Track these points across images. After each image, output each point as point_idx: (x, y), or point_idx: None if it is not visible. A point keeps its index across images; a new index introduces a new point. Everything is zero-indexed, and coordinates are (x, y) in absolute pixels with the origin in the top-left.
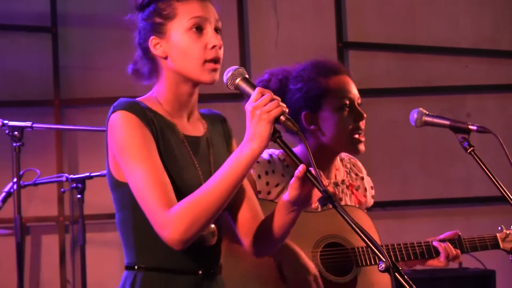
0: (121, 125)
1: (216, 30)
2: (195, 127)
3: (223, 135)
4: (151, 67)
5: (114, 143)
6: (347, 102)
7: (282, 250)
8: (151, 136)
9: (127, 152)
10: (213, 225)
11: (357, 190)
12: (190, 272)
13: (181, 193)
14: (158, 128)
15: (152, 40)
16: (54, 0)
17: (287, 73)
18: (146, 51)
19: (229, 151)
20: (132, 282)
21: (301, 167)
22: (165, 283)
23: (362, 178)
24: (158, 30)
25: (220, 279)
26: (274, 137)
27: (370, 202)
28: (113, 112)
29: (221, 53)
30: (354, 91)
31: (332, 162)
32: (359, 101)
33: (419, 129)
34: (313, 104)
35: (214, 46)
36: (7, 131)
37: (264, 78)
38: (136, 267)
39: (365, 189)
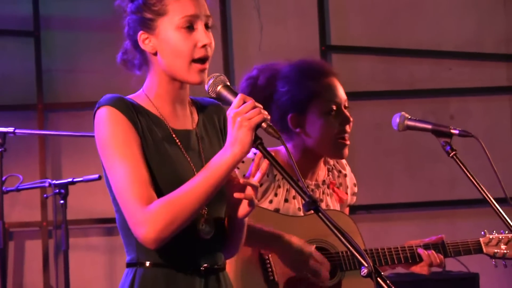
0: (104, 121)
1: (207, 26)
2: (185, 121)
3: (217, 124)
4: (142, 59)
5: (97, 139)
6: (334, 106)
7: (273, 244)
8: (135, 132)
9: (108, 149)
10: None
11: (338, 187)
12: (191, 268)
13: (175, 187)
14: (145, 124)
15: (141, 35)
16: (36, 3)
17: (275, 72)
18: (135, 44)
19: (224, 140)
20: (132, 278)
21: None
22: (165, 279)
23: (345, 175)
24: (147, 25)
25: (224, 275)
26: (256, 144)
27: (352, 199)
28: (98, 108)
29: (210, 51)
30: (341, 94)
31: (317, 164)
32: (346, 103)
33: (402, 132)
34: (300, 107)
35: (204, 45)
36: None
37: (253, 75)
38: (137, 264)
39: (347, 187)
